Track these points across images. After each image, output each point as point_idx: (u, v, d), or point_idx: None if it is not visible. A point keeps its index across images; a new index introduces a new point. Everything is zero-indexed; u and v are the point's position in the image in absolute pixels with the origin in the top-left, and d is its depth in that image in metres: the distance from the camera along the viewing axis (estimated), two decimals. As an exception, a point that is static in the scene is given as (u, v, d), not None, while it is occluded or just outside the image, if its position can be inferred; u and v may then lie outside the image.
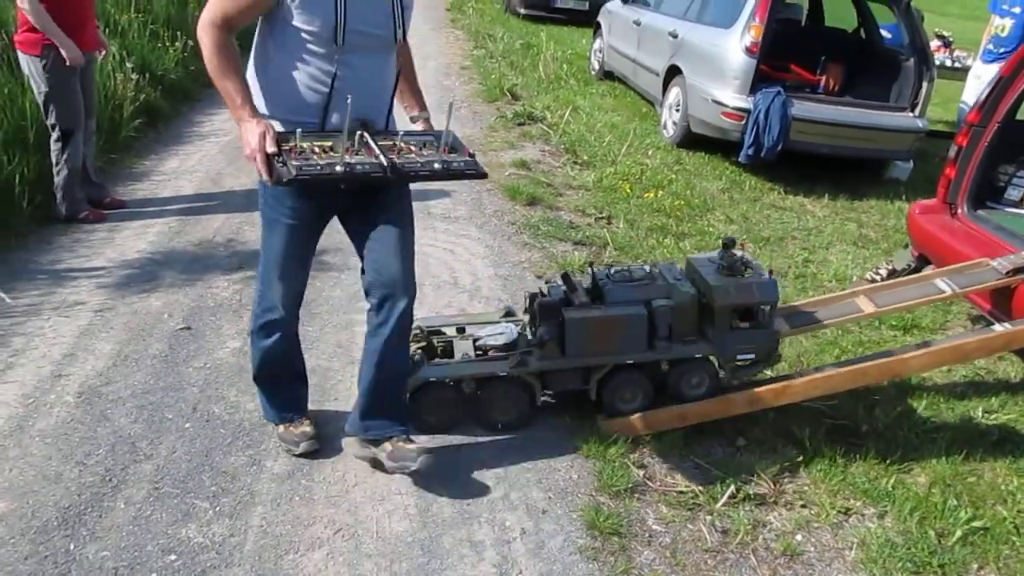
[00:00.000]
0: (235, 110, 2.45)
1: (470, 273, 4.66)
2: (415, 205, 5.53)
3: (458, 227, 5.35)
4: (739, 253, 3.29)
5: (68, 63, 4.62)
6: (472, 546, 2.67)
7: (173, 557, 2.54)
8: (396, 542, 2.66)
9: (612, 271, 3.39)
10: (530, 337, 3.33)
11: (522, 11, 15.16)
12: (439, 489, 2.92)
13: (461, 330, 3.48)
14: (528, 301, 3.36)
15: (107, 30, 7.41)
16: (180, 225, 5.11)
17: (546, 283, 3.46)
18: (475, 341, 3.37)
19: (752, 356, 3.31)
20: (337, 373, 3.60)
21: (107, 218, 5.09)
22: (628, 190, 6.18)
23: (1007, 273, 3.69)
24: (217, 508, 2.76)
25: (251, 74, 2.63)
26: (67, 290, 4.17)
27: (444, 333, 3.46)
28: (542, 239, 5.20)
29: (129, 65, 6.80)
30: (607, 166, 6.70)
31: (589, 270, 3.48)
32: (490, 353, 3.31)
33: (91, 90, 5.08)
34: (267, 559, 2.56)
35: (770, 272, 3.31)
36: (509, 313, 3.63)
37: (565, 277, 3.35)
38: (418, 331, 3.36)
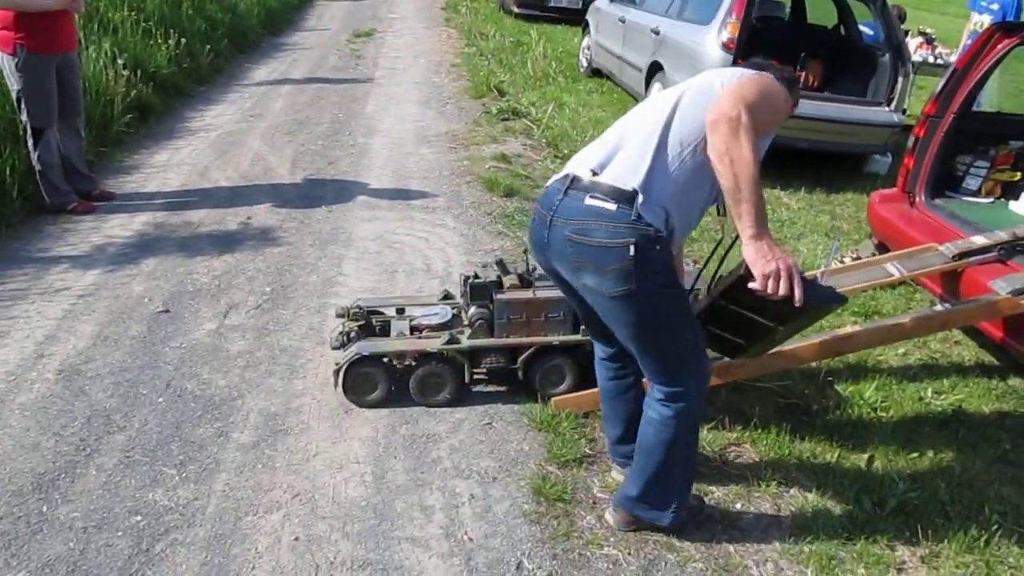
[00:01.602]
0: (760, 226, 2.23)
1: (443, 260, 4.81)
2: (396, 200, 5.73)
3: (435, 217, 5.50)
4: None
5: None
6: (422, 510, 2.82)
7: (139, 518, 2.71)
8: (350, 506, 2.82)
9: None
10: (464, 318, 3.49)
11: (516, 10, 15.31)
12: (395, 459, 3.07)
13: (401, 311, 3.64)
14: (462, 284, 3.53)
15: (99, 27, 7.59)
16: (166, 215, 5.27)
17: (482, 267, 3.62)
18: (411, 321, 3.54)
19: None
20: (307, 353, 3.76)
21: (95, 209, 5.26)
22: (606, 183, 6.30)
23: (954, 257, 3.83)
24: (183, 475, 2.92)
25: (666, 185, 2.35)
26: (53, 276, 4.35)
27: (383, 313, 3.63)
28: (515, 228, 5.34)
29: (121, 62, 6.97)
30: (587, 160, 6.83)
31: (524, 256, 3.65)
32: (424, 332, 3.47)
33: (75, 88, 5.23)
34: (227, 520, 2.72)
35: (694, 262, 3.45)
36: (447, 296, 3.79)
37: (499, 262, 3.51)
38: (357, 310, 3.54)
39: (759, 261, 2.23)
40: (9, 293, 4.12)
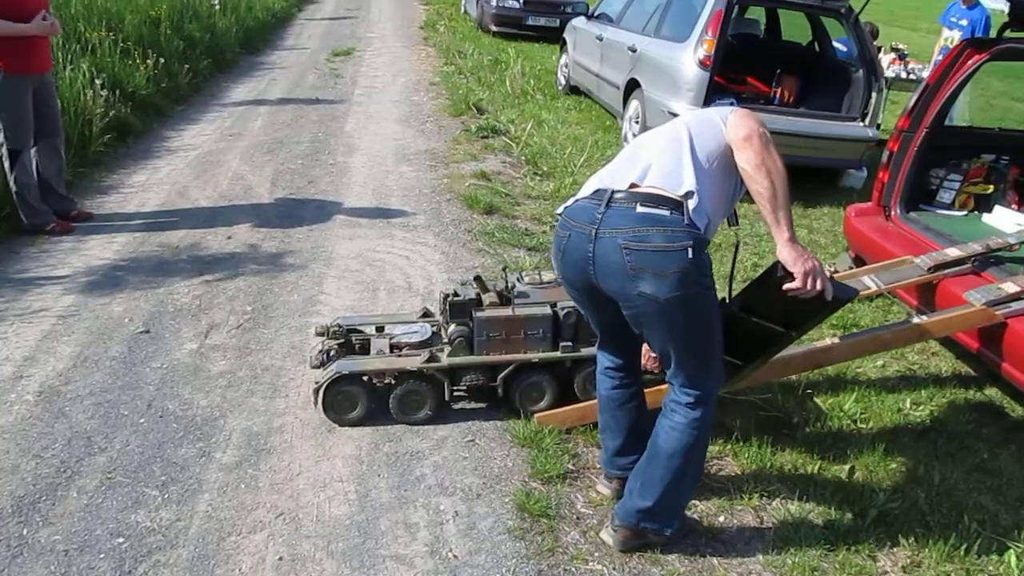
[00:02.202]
0: (791, 230, 2.41)
1: (424, 278, 4.82)
2: (376, 219, 5.71)
3: (416, 235, 5.52)
4: None
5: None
6: (407, 528, 2.82)
7: (121, 540, 2.69)
8: (335, 524, 2.81)
9: (523, 275, 3.58)
10: (444, 336, 3.50)
11: (494, 28, 15.39)
12: (379, 477, 3.07)
13: (380, 329, 3.65)
14: (442, 301, 3.54)
15: (77, 47, 7.57)
16: (145, 235, 5.25)
17: (461, 284, 3.63)
18: (391, 339, 3.54)
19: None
20: (289, 372, 3.75)
21: (74, 230, 5.23)
22: (586, 199, 6.33)
23: (929, 269, 3.90)
24: (166, 495, 2.91)
25: (705, 194, 2.43)
26: (32, 297, 4.31)
27: (363, 331, 3.63)
28: (496, 245, 5.36)
29: (99, 82, 6.95)
30: (567, 177, 6.87)
31: (503, 273, 3.66)
32: (404, 350, 3.48)
33: (52, 109, 5.20)
34: (210, 541, 2.71)
35: None
36: (427, 314, 3.80)
37: (478, 279, 3.53)
38: (337, 328, 3.55)
39: (799, 260, 2.41)
40: (-13, 315, 4.09)
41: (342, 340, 3.53)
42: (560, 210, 2.64)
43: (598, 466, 3.16)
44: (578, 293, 2.74)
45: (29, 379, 3.57)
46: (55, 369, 3.66)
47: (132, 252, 4.99)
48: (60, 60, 7.01)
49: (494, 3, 15.39)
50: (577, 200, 2.60)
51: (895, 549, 2.90)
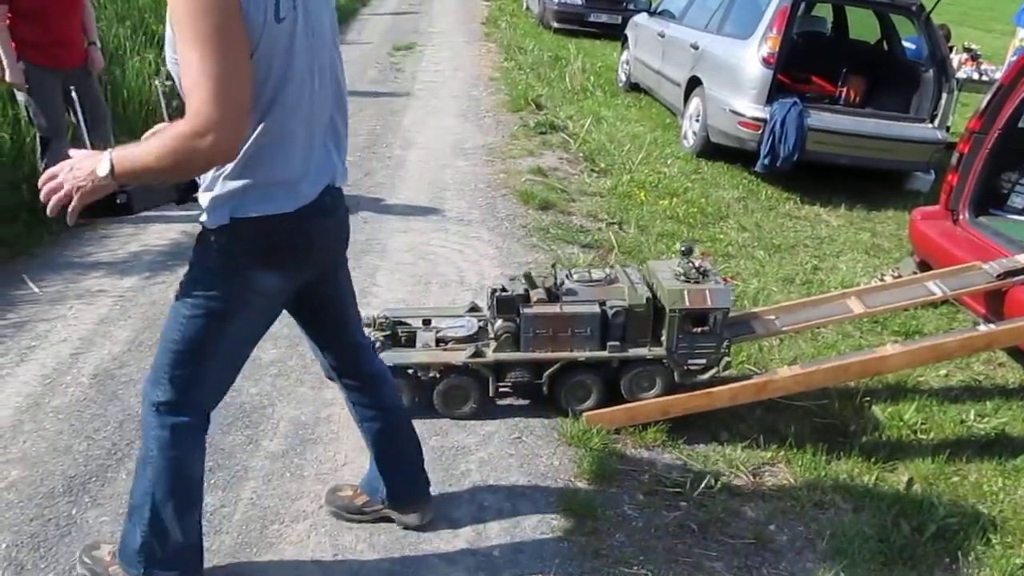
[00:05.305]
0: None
1: (477, 272, 4.80)
2: (431, 212, 5.64)
3: (470, 229, 5.50)
4: (698, 261, 3.40)
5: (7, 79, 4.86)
6: (450, 523, 2.80)
7: (167, 524, 2.70)
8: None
9: (573, 272, 3.52)
10: (491, 331, 3.46)
11: (555, 25, 15.31)
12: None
13: (427, 322, 3.62)
14: (489, 296, 3.49)
15: (143, 39, 7.71)
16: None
17: (510, 280, 3.58)
18: (437, 332, 3.52)
19: (703, 361, 3.39)
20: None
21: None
22: (643, 197, 6.28)
23: (998, 276, 3.75)
24: (212, 481, 2.92)
25: None
26: (91, 281, 4.40)
27: (409, 324, 3.61)
28: (551, 242, 5.32)
29: (164, 71, 7.07)
30: (624, 174, 6.81)
31: (552, 270, 3.61)
32: (449, 344, 3.44)
33: (93, 101, 5.21)
34: (253, 528, 2.72)
35: (725, 280, 3.41)
36: (474, 308, 3.76)
37: (527, 276, 3.47)
38: (384, 320, 3.52)
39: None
40: (48, 297, 4.18)
41: (388, 332, 3.51)
42: None
43: (636, 470, 3.09)
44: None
45: (85, 361, 3.63)
46: (110, 352, 3.72)
47: (189, 241, 5.00)
48: (127, 51, 7.15)
49: (556, 0, 15.33)
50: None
51: (954, 566, 2.80)
